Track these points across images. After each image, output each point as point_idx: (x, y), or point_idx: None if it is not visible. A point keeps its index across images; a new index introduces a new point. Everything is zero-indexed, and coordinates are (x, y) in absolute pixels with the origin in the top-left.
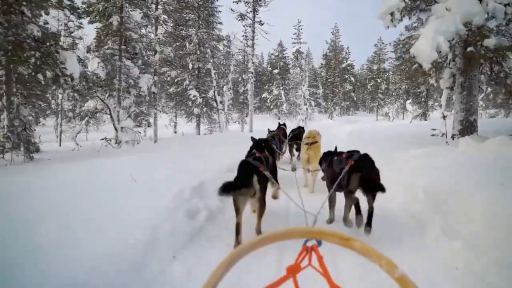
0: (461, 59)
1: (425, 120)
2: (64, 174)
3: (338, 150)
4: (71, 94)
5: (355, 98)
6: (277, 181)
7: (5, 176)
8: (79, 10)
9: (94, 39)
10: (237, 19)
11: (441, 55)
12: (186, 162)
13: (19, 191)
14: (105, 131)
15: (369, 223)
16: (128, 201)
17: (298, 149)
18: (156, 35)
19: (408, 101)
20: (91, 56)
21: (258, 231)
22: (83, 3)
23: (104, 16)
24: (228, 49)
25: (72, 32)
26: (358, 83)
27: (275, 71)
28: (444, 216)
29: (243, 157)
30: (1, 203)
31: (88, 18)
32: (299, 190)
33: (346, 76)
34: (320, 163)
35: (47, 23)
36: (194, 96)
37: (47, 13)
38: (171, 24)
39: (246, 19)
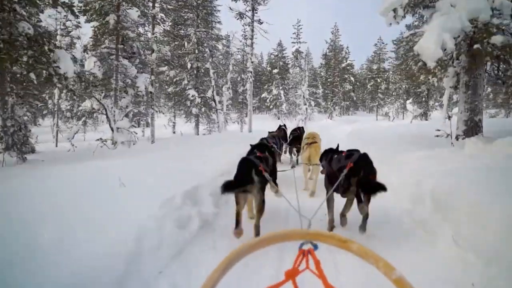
0: (466, 57)
1: (426, 120)
2: (51, 177)
3: (339, 149)
4: (67, 94)
5: (354, 98)
6: (275, 183)
7: None
8: (74, 8)
9: (90, 38)
10: (236, 18)
11: (446, 53)
12: (181, 164)
13: None
14: (103, 131)
15: (363, 227)
16: (113, 210)
17: (298, 151)
18: (153, 33)
19: (408, 101)
20: (88, 55)
21: (257, 227)
22: (80, 1)
23: (101, 14)
24: (227, 49)
25: (70, 32)
26: (357, 83)
27: (275, 70)
28: (454, 224)
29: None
30: None
31: (85, 17)
32: (297, 193)
33: (346, 76)
34: (321, 160)
35: (40, 21)
36: (192, 96)
37: (41, 11)
38: (170, 23)
39: (245, 18)
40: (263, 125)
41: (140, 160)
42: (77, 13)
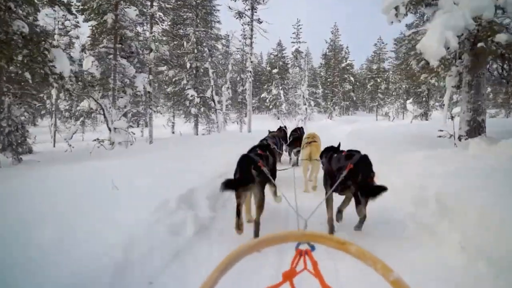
0: (469, 56)
1: (426, 120)
2: (44, 178)
3: (340, 148)
4: (65, 94)
5: (354, 98)
6: (274, 184)
7: None
8: (70, 7)
9: (88, 37)
10: (235, 17)
11: (450, 52)
12: (178, 165)
13: None
14: (101, 131)
15: (359, 226)
16: (103, 215)
17: (298, 152)
18: (151, 32)
19: (408, 101)
20: (86, 55)
21: (257, 223)
22: (78, 0)
23: (99, 13)
24: (227, 49)
25: (69, 31)
26: (357, 83)
27: (274, 70)
28: (461, 230)
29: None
30: None
31: (83, 16)
32: (295, 192)
33: (346, 76)
34: (321, 157)
35: (37, 20)
36: (191, 96)
37: (37, 10)
38: (169, 23)
39: (244, 17)
40: (263, 125)
41: (136, 161)
42: (74, 12)
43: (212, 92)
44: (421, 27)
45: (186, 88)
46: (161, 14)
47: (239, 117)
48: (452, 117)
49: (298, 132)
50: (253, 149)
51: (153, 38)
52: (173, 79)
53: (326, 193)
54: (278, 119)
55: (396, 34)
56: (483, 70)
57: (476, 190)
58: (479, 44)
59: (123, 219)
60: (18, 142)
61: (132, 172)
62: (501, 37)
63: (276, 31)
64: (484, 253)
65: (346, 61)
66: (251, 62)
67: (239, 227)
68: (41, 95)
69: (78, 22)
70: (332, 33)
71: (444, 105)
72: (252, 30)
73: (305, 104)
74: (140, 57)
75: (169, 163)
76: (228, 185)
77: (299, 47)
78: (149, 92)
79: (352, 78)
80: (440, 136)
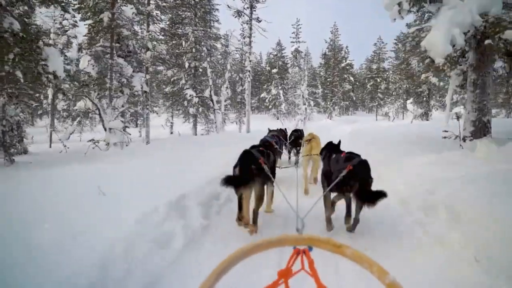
0: (474, 54)
1: (427, 120)
2: (30, 182)
3: (340, 146)
4: (62, 93)
5: (354, 98)
6: (273, 177)
7: None
8: (65, 5)
9: (84, 36)
10: (234, 15)
11: (456, 49)
12: (171, 168)
13: None
14: (99, 131)
15: (353, 228)
16: (84, 226)
17: (298, 152)
18: (148, 31)
19: (409, 101)
20: (82, 54)
21: (255, 213)
22: None
23: (95, 12)
24: (226, 48)
25: (66, 31)
26: (357, 83)
27: (274, 70)
28: (476, 241)
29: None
30: None
31: (80, 15)
32: (297, 192)
33: (345, 76)
34: (322, 153)
35: (29, 17)
36: (190, 96)
37: (30, 7)
38: (167, 22)
39: (243, 16)
40: (262, 125)
41: (131, 162)
42: (70, 11)
43: (210, 92)
44: (425, 24)
45: (185, 88)
46: (158, 12)
47: (238, 117)
48: (457, 117)
49: (299, 132)
50: (254, 146)
51: (150, 36)
52: (172, 79)
53: (324, 191)
54: (278, 119)
55: (396, 34)
56: (488, 69)
57: (491, 197)
58: (487, 41)
59: (106, 231)
60: (11, 143)
61: (122, 176)
62: (510, 34)
63: (276, 30)
64: (503, 269)
65: (345, 61)
66: (250, 61)
67: (240, 218)
68: (37, 95)
69: (76, 22)
70: (331, 33)
71: (445, 105)
72: (251, 29)
73: (304, 104)
74: (137, 57)
75: (162, 165)
76: (228, 181)
77: (299, 46)
78: (145, 92)
79: (351, 78)
80: (445, 137)
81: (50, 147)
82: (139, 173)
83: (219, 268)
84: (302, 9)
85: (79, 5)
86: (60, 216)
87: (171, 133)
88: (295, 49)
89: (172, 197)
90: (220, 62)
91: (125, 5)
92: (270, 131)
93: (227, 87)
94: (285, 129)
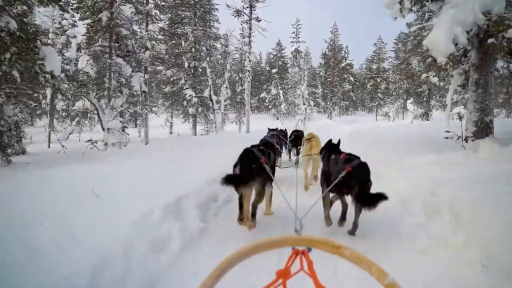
0: (476, 53)
1: (427, 120)
2: (27, 183)
3: (340, 146)
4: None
5: (354, 98)
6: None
7: None
8: (62, 4)
9: (82, 35)
10: (233, 15)
11: (458, 48)
12: (169, 169)
13: None
14: (98, 131)
15: (353, 232)
16: (83, 226)
17: (298, 152)
18: (147, 31)
19: (409, 101)
20: (81, 53)
21: (254, 206)
22: None
23: (94, 11)
24: (226, 48)
25: (66, 31)
26: (357, 83)
27: (274, 70)
28: (482, 245)
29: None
30: None
31: (79, 15)
32: (297, 193)
33: (345, 76)
34: (322, 152)
35: (26, 17)
36: (189, 96)
37: (29, 7)
38: (167, 22)
39: (243, 16)
40: (262, 125)
41: (129, 163)
42: (66, 9)
43: (210, 91)
44: (427, 23)
45: (184, 88)
46: (157, 12)
47: (237, 117)
48: (460, 118)
49: (299, 132)
50: (254, 146)
51: (149, 36)
52: (171, 79)
53: (323, 192)
54: (278, 119)
55: (395, 34)
56: (491, 68)
57: (497, 199)
58: (490, 40)
59: (99, 235)
60: (9, 143)
61: (120, 176)
62: None
63: (275, 30)
64: (504, 269)
65: (345, 61)
66: (250, 61)
67: (241, 219)
68: (36, 95)
69: (75, 21)
70: (331, 33)
71: (446, 105)
72: (250, 28)
73: (304, 104)
74: (136, 56)
75: (161, 165)
76: (228, 180)
77: (299, 46)
78: (144, 91)
79: (351, 78)
80: (447, 138)
81: (49, 147)
82: (137, 173)
83: (218, 269)
84: (302, 8)
85: (77, 5)
86: (59, 216)
87: (171, 133)
88: (295, 49)
89: (167, 199)
90: (219, 62)
91: (124, 5)
92: (270, 130)
93: (226, 87)
94: (285, 129)
